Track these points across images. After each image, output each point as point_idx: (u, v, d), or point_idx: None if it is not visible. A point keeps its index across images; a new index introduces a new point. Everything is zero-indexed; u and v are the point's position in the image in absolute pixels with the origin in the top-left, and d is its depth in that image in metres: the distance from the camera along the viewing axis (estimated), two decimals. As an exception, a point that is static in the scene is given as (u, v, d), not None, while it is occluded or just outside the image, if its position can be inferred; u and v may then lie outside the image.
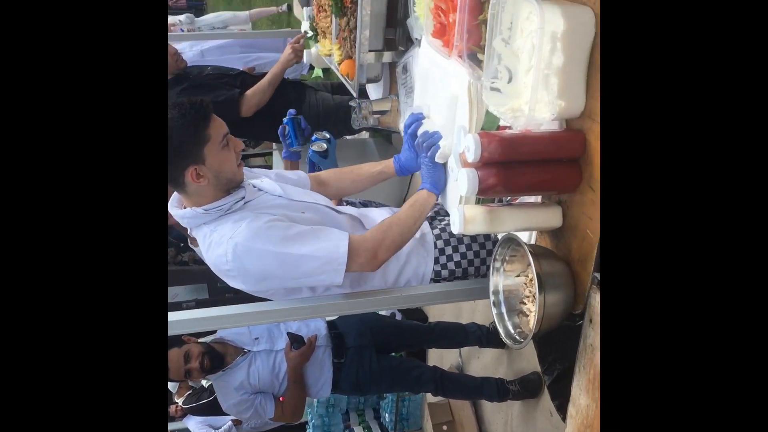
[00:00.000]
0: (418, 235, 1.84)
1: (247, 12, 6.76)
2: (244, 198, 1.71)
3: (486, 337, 3.19)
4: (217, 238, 1.65)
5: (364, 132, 3.67)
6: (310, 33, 2.54)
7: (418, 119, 1.85)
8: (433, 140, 1.75)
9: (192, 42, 4.72)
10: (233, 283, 1.70)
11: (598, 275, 1.30)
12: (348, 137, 3.61)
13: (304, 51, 2.72)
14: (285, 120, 2.20)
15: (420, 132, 1.80)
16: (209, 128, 1.62)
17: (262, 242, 1.61)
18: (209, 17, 6.55)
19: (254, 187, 1.77)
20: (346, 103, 2.19)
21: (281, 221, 1.66)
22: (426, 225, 1.89)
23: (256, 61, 4.67)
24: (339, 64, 2.25)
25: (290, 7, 6.74)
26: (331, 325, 3.04)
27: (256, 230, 1.62)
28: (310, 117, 3.08)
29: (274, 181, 1.84)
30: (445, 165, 1.78)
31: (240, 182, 1.73)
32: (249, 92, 2.86)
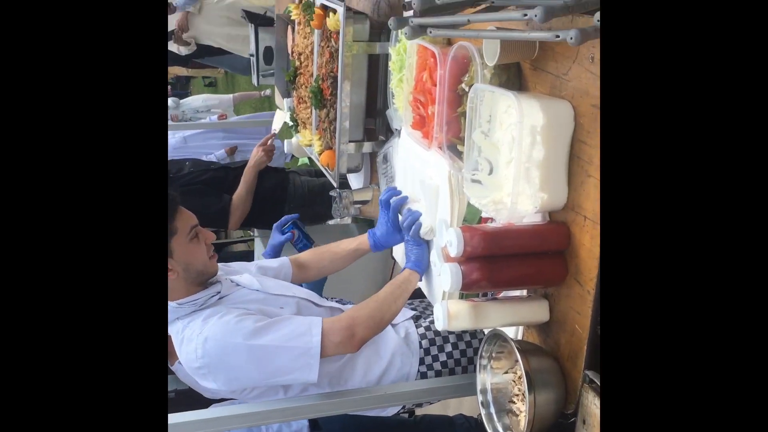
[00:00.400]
0: (402, 334, 1.79)
1: (230, 95, 6.87)
2: (219, 292, 1.66)
3: (474, 430, 3.07)
4: (189, 333, 1.59)
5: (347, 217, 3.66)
6: (291, 123, 2.55)
7: (393, 193, 1.83)
8: (413, 218, 1.73)
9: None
10: (205, 383, 1.62)
11: (589, 373, 1.24)
12: (331, 222, 3.60)
13: (285, 141, 2.73)
14: (288, 226, 2.20)
15: (403, 211, 1.79)
16: (175, 221, 1.59)
17: (232, 336, 1.54)
18: (193, 100, 6.63)
19: (232, 281, 1.73)
20: (330, 186, 2.19)
21: (253, 315, 1.60)
22: (411, 325, 1.83)
23: (239, 144, 4.74)
24: (319, 154, 2.24)
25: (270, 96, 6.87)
26: (313, 423, 2.91)
27: (225, 324, 1.56)
28: (295, 199, 3.07)
29: (253, 276, 1.80)
30: (428, 244, 1.75)
31: (213, 274, 1.68)
32: (232, 206, 2.87)
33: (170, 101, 6.59)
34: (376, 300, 1.68)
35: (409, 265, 1.75)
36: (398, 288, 1.71)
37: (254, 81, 3.55)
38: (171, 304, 1.62)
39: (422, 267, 1.76)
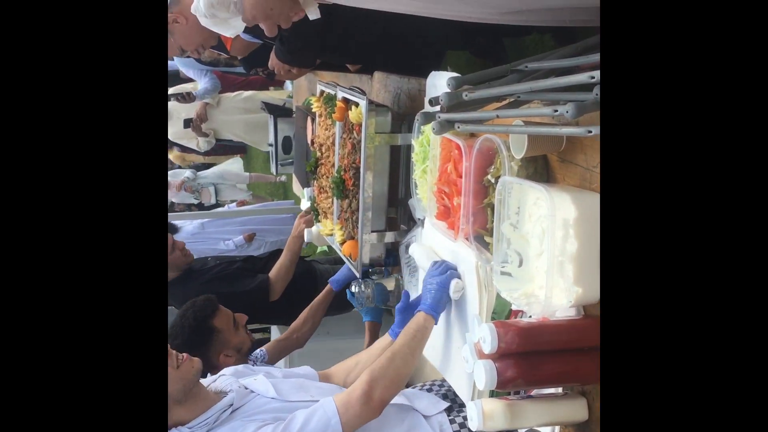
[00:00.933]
0: (437, 430, 1.71)
1: (247, 174, 6.95)
2: (232, 405, 1.60)
3: None
4: None
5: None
6: (312, 212, 2.57)
7: (410, 301, 1.79)
8: (448, 266, 1.67)
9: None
10: None
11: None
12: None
13: (306, 230, 2.73)
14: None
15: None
16: (214, 319, 1.89)
17: None
18: (211, 172, 6.71)
19: (246, 388, 1.67)
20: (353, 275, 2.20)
21: (271, 424, 1.51)
22: (445, 419, 1.75)
23: (257, 230, 4.77)
24: (341, 244, 2.23)
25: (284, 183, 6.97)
26: None
27: None
28: (319, 288, 3.03)
29: (268, 379, 1.73)
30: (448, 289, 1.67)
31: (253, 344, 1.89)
32: (273, 277, 2.84)
33: (188, 172, 6.69)
34: (390, 357, 1.55)
35: (425, 309, 1.62)
36: (413, 339, 1.58)
37: (273, 170, 3.61)
38: (182, 429, 1.55)
39: (439, 312, 1.64)
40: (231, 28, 1.36)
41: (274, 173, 3.67)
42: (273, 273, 2.87)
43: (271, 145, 3.55)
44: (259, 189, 7.37)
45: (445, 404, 1.81)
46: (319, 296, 2.58)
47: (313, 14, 1.36)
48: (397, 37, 2.22)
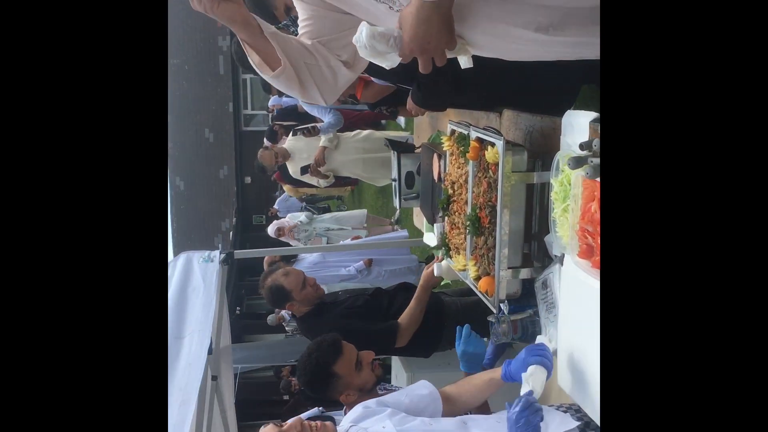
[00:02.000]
0: None
1: (363, 211, 7.13)
2: None
3: None
4: None
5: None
6: (442, 248, 2.63)
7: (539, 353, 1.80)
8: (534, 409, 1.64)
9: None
10: None
11: None
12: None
13: (435, 265, 2.80)
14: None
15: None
16: (336, 365, 2.02)
17: None
18: (329, 217, 6.95)
19: None
20: (482, 304, 2.24)
21: None
22: None
23: (374, 259, 4.93)
24: (475, 279, 2.28)
25: (398, 221, 7.10)
26: None
27: None
28: (449, 318, 3.07)
29: (392, 422, 1.78)
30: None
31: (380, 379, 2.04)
32: (403, 324, 2.91)
33: (303, 216, 6.95)
34: None
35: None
36: None
37: (396, 204, 3.70)
38: None
39: None
40: (386, 61, 1.43)
41: (397, 207, 3.77)
42: (404, 320, 2.92)
43: (394, 180, 3.65)
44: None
45: (576, 423, 1.81)
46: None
47: (466, 63, 1.41)
48: (530, 77, 2.27)
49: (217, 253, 3.79)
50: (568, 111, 1.98)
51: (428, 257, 4.99)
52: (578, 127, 1.88)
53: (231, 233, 11.12)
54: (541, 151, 2.17)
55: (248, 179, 17.70)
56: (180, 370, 2.58)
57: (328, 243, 6.71)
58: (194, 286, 3.32)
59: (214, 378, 3.51)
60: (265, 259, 4.96)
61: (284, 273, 3.14)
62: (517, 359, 1.83)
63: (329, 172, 5.25)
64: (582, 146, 1.49)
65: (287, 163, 5.79)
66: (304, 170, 5.36)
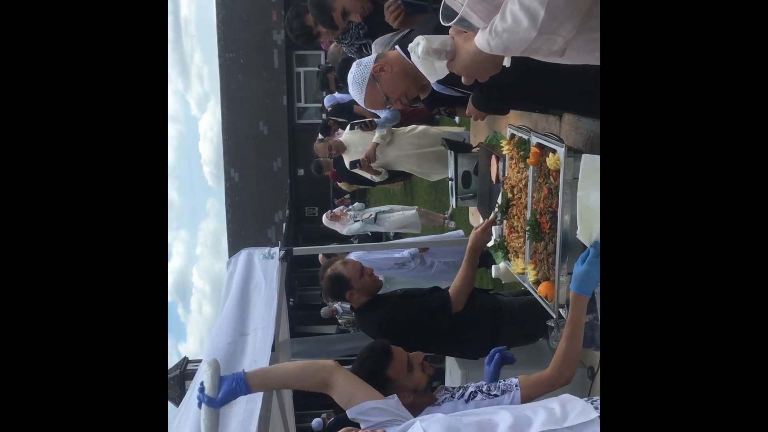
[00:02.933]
0: None
1: (414, 212, 7.14)
2: None
3: None
4: None
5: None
6: (499, 252, 2.65)
7: None
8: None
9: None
10: None
11: None
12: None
13: (493, 267, 2.82)
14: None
15: None
16: (389, 370, 2.05)
17: None
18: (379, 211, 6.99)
19: None
20: (538, 303, 2.25)
21: None
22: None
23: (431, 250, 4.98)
24: (534, 283, 2.30)
25: (452, 217, 7.09)
26: None
27: None
28: (505, 317, 3.08)
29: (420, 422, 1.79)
30: None
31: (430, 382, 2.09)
32: (453, 288, 2.92)
33: (357, 205, 6.99)
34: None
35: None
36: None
37: (452, 203, 3.73)
38: None
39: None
40: (435, 73, 1.49)
41: (454, 206, 3.79)
42: (453, 285, 2.93)
43: (451, 179, 3.68)
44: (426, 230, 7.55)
45: (596, 413, 1.80)
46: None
47: (506, 62, 1.47)
48: (592, 79, 2.26)
49: (276, 249, 3.89)
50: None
51: (484, 254, 4.98)
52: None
53: (284, 225, 11.32)
54: (602, 157, 2.18)
55: (301, 171, 17.93)
56: (246, 366, 2.66)
57: (376, 222, 6.75)
58: (256, 282, 3.41)
59: (273, 370, 3.62)
60: (320, 257, 5.06)
61: (342, 262, 3.21)
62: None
63: (381, 168, 5.29)
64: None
65: (343, 156, 5.87)
66: (354, 165, 5.42)
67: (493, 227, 2.79)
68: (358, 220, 6.83)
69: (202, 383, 1.88)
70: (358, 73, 2.36)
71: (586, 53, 1.47)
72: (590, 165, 1.93)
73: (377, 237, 9.23)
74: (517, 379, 2.01)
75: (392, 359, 2.15)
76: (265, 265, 3.66)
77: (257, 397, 2.58)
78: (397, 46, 2.41)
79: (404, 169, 5.54)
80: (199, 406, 1.87)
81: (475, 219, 3.96)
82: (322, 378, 1.94)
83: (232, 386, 1.88)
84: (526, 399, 1.98)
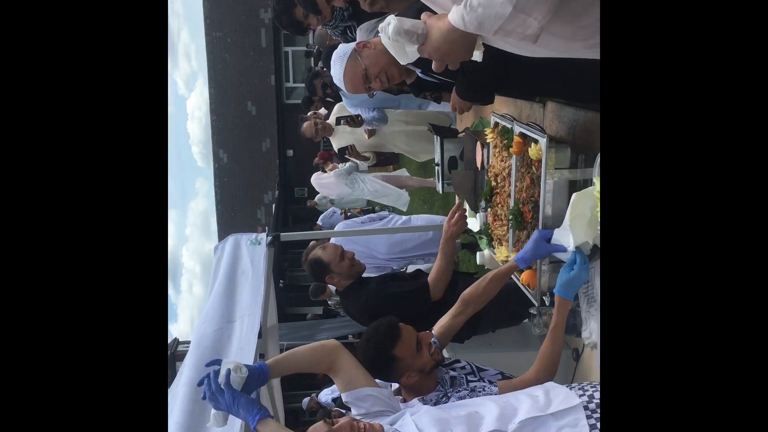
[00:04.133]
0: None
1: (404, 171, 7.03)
2: None
3: None
4: None
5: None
6: (484, 238, 2.67)
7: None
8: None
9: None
10: None
11: None
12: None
13: (478, 254, 2.84)
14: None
15: None
16: (396, 349, 2.02)
17: None
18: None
19: None
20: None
21: None
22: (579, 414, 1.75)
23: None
24: (518, 272, 2.33)
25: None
26: None
27: None
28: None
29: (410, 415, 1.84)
30: None
31: (440, 361, 2.15)
32: (431, 280, 2.92)
33: (348, 166, 6.89)
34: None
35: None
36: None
37: (438, 189, 3.74)
38: None
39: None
40: (405, 56, 1.47)
41: (440, 192, 3.80)
42: (432, 275, 2.94)
43: (437, 164, 3.69)
44: (413, 199, 7.54)
45: (579, 400, 1.82)
46: (502, 269, 2.35)
47: (477, 57, 1.45)
48: (575, 67, 2.27)
49: (263, 235, 3.90)
50: (612, 108, 2.00)
51: (468, 243, 4.98)
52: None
53: (274, 206, 11.31)
54: (584, 145, 2.19)
55: (290, 152, 17.87)
56: (232, 354, 2.68)
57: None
58: (243, 269, 3.42)
59: (262, 356, 3.64)
60: (309, 203, 5.00)
61: (322, 247, 3.23)
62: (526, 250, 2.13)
63: (369, 153, 5.28)
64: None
65: (331, 139, 5.84)
66: (343, 151, 5.41)
67: (477, 215, 2.80)
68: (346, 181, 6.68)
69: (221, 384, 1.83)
70: (341, 48, 2.35)
71: (569, 41, 1.46)
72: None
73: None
74: (497, 387, 2.01)
75: (400, 337, 2.10)
76: (253, 251, 3.67)
77: (251, 347, 2.62)
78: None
79: (393, 148, 5.52)
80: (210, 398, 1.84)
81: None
82: (330, 362, 1.96)
83: (259, 382, 1.89)
84: None
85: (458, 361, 2.18)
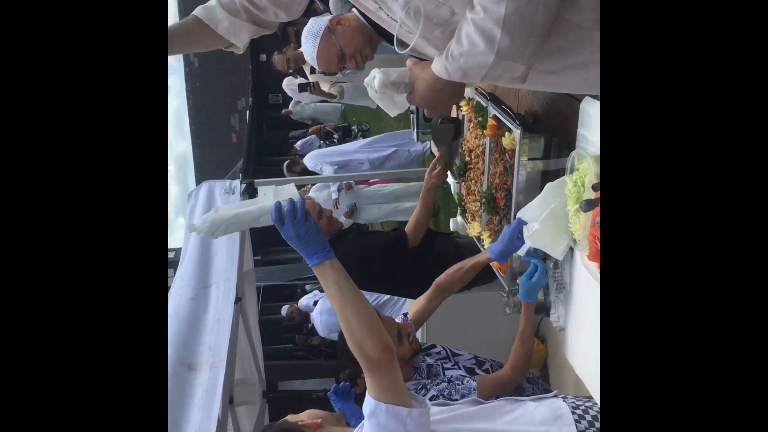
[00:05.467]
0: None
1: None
2: None
3: None
4: None
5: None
6: (457, 206, 2.69)
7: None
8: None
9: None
10: None
11: None
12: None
13: (451, 220, 2.86)
14: None
15: None
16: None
17: None
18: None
19: None
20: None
21: None
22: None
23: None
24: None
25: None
26: None
27: None
28: (464, 255, 3.15)
29: None
30: None
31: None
32: (409, 229, 2.92)
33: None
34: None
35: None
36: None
37: (414, 137, 3.72)
38: None
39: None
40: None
41: (415, 140, 3.78)
42: (409, 224, 2.95)
43: (412, 112, 3.65)
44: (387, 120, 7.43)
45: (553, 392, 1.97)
46: (478, 261, 2.33)
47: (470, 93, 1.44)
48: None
49: (237, 183, 3.87)
50: (587, 97, 1.96)
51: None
52: (594, 116, 1.88)
53: (248, 113, 11.09)
54: (558, 131, 2.17)
55: (263, 57, 17.33)
56: (209, 322, 2.71)
57: None
58: (217, 224, 3.40)
59: (239, 300, 3.65)
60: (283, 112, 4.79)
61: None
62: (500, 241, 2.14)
63: (336, 91, 5.16)
64: (594, 187, 1.51)
65: (303, 68, 5.69)
66: (303, 88, 5.25)
67: (452, 183, 2.81)
68: None
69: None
70: (313, 24, 2.25)
71: (560, 76, 1.43)
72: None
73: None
74: (475, 382, 2.05)
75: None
76: (227, 202, 3.65)
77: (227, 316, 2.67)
78: (354, 9, 2.30)
79: (365, 104, 5.39)
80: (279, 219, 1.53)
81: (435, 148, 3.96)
82: (385, 341, 1.50)
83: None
84: (485, 399, 2.01)
85: (434, 346, 2.24)
